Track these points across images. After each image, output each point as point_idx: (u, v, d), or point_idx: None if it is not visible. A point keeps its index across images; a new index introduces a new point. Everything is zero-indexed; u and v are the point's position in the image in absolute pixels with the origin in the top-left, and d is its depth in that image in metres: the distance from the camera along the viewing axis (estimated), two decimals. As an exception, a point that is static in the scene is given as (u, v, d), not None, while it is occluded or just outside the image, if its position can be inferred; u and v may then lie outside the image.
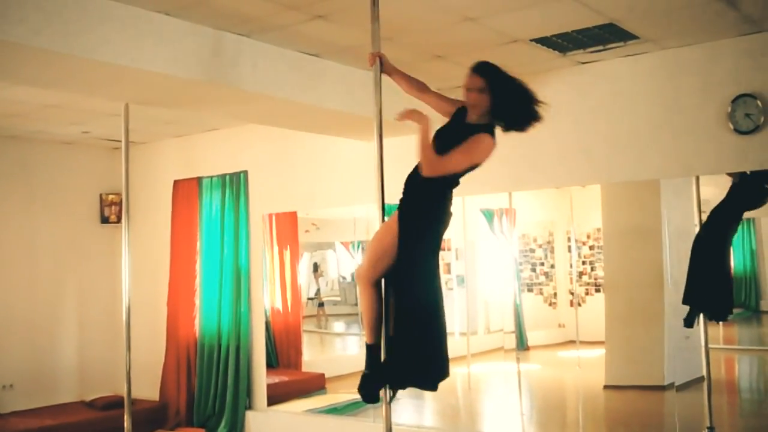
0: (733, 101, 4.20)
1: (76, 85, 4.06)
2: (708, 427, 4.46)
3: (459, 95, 5.24)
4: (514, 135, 5.01)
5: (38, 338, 6.83)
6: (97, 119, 6.07)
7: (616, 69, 4.64)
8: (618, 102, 4.65)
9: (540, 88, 4.86)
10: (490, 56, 4.49)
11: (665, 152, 4.46)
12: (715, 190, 4.59)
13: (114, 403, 6.41)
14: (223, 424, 6.27)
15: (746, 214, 4.74)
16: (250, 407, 6.34)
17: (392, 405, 2.97)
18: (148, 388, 6.80)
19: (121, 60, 3.47)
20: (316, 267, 8.26)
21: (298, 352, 6.99)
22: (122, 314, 4.75)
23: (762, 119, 4.12)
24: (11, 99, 5.29)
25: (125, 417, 4.57)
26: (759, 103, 4.13)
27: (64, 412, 6.49)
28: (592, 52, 4.48)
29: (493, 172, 5.13)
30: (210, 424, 6.40)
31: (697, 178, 4.52)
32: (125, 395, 4.60)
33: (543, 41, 4.24)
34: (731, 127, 4.21)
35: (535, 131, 4.89)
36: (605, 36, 4.17)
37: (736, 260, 4.93)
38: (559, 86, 4.86)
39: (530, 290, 5.82)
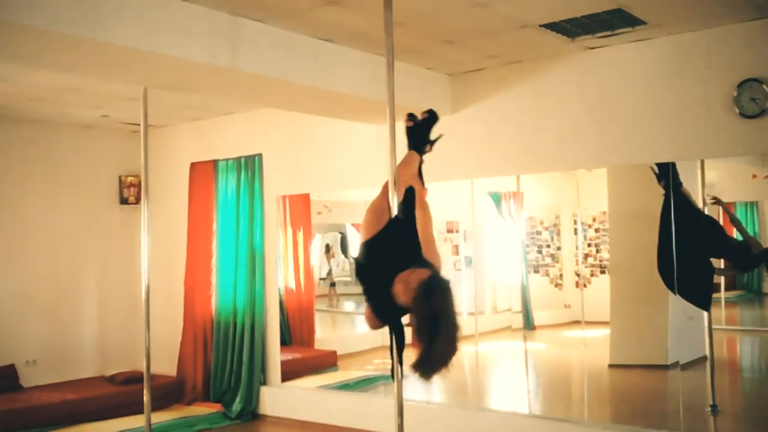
0: (739, 86, 4.24)
1: (96, 70, 4.14)
2: (711, 405, 4.56)
3: (469, 80, 5.34)
4: (522, 119, 5.11)
5: (60, 316, 7.00)
6: (116, 103, 6.18)
7: (623, 54, 4.68)
8: (625, 86, 4.69)
9: (548, 73, 4.97)
10: (500, 41, 4.57)
11: (671, 136, 4.51)
12: (720, 174, 4.64)
13: (133, 378, 6.58)
14: (238, 399, 6.41)
15: (748, 198, 4.78)
16: (264, 383, 6.47)
17: (403, 381, 3.08)
18: (165, 364, 6.97)
19: (139, 45, 3.56)
20: (328, 248, 8.38)
21: (311, 330, 7.12)
22: (141, 292, 4.87)
23: (767, 104, 4.16)
24: (32, 83, 5.40)
25: (144, 392, 4.68)
26: (765, 87, 4.16)
27: (84, 386, 6.66)
28: (600, 37, 4.52)
29: (500, 156, 5.23)
30: (226, 399, 6.54)
31: (702, 162, 4.60)
32: (144, 371, 4.70)
33: (552, 26, 4.29)
34: (737, 111, 4.25)
35: (543, 115, 4.99)
36: (613, 21, 4.22)
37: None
38: (567, 71, 4.92)
39: (537, 271, 5.90)
